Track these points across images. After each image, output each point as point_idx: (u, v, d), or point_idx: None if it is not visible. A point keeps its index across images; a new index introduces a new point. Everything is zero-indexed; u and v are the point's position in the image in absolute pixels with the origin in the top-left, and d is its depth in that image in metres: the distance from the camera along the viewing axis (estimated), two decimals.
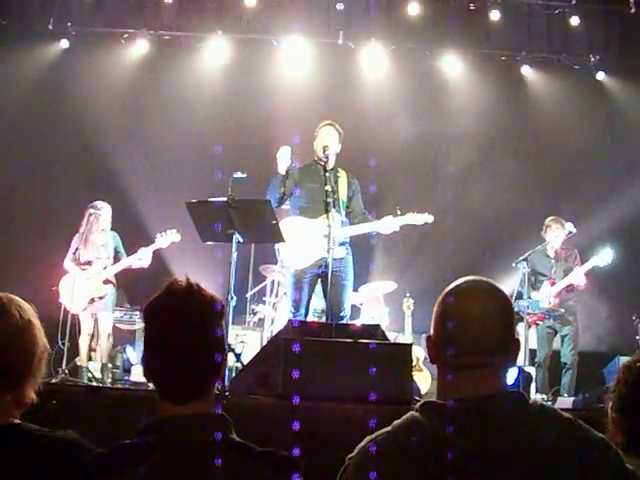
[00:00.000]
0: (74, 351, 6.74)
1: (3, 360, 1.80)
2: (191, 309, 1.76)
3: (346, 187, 5.81)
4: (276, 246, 5.75)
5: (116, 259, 7.08)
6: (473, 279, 1.75)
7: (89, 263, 6.99)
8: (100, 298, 6.93)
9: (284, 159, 5.63)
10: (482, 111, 9.46)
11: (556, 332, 7.21)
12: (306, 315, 5.71)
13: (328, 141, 5.75)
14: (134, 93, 9.17)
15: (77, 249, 6.98)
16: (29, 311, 1.90)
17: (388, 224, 5.71)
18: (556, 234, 7.26)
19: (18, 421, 1.81)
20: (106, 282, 6.98)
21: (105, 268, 6.99)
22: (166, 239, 6.91)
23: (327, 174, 5.48)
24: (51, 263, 7.11)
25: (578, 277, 7.16)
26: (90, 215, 7.02)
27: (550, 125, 9.34)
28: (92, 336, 7.02)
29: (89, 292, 6.89)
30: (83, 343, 6.95)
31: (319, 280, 5.73)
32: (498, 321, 1.67)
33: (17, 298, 1.90)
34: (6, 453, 1.71)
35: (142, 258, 6.97)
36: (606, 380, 5.49)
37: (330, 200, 5.32)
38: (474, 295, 1.69)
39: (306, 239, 5.57)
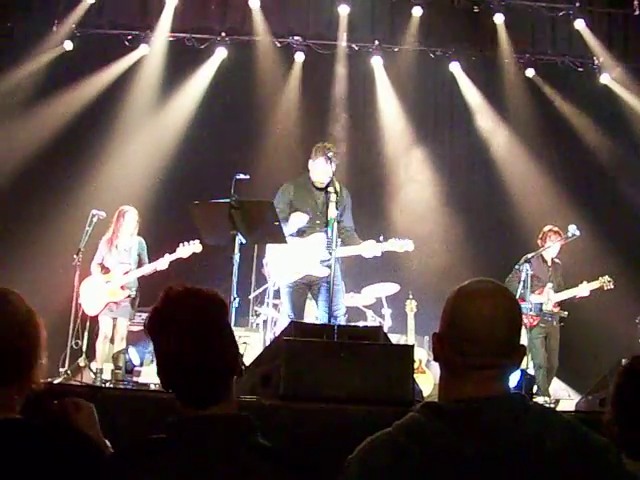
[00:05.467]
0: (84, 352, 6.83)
1: (14, 348, 1.79)
2: (192, 312, 1.74)
3: (336, 204, 5.88)
4: (264, 261, 5.88)
5: (139, 265, 7.14)
6: (485, 280, 1.76)
7: (111, 267, 7.07)
8: (116, 303, 6.98)
9: (297, 224, 5.79)
10: (485, 113, 9.46)
11: (546, 336, 7.23)
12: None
13: (322, 176, 5.87)
14: (140, 95, 9.18)
15: (103, 252, 7.12)
16: (26, 301, 1.90)
17: (369, 248, 5.80)
18: (554, 243, 7.28)
19: (19, 416, 1.80)
20: (123, 288, 7.02)
21: (126, 273, 7.03)
22: (188, 249, 6.90)
23: (329, 195, 5.60)
24: (63, 264, 7.16)
25: (583, 291, 7.29)
26: (117, 219, 7.14)
27: (554, 127, 9.32)
28: (110, 339, 7.10)
29: (106, 296, 6.97)
30: (100, 345, 7.01)
31: (310, 293, 5.96)
32: (507, 324, 1.66)
33: (13, 290, 1.90)
34: (8, 448, 1.70)
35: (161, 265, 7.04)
36: (609, 383, 5.47)
37: (323, 221, 5.48)
38: (485, 296, 1.68)
39: (294, 257, 5.75)
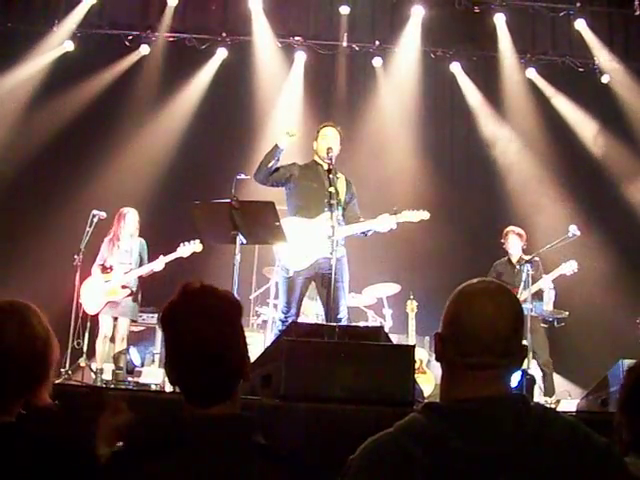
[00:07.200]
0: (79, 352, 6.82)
1: (26, 368, 1.81)
2: (207, 309, 1.74)
3: (344, 190, 5.80)
4: (274, 248, 5.73)
5: (139, 266, 7.14)
6: (487, 280, 1.76)
7: (112, 267, 7.08)
8: (116, 302, 6.98)
9: (289, 136, 5.60)
10: (486, 113, 9.47)
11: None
12: (296, 317, 5.71)
13: (331, 142, 5.72)
14: (140, 96, 9.18)
15: (105, 254, 7.12)
16: (45, 319, 1.91)
17: (385, 222, 5.68)
18: (514, 244, 7.33)
19: (13, 420, 1.81)
20: (124, 287, 7.02)
21: (126, 273, 7.04)
22: (188, 248, 6.87)
23: (330, 175, 5.46)
24: (64, 264, 7.16)
25: (547, 282, 7.16)
26: (117, 221, 7.16)
27: (555, 127, 9.32)
28: (111, 339, 7.10)
29: (106, 295, 6.97)
30: (100, 345, 7.01)
31: (313, 283, 5.76)
32: (509, 324, 1.66)
33: (33, 306, 1.90)
34: (5, 453, 1.70)
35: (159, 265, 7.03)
36: (610, 383, 5.46)
37: (334, 202, 5.30)
38: (487, 296, 1.68)
39: (304, 240, 5.56)
